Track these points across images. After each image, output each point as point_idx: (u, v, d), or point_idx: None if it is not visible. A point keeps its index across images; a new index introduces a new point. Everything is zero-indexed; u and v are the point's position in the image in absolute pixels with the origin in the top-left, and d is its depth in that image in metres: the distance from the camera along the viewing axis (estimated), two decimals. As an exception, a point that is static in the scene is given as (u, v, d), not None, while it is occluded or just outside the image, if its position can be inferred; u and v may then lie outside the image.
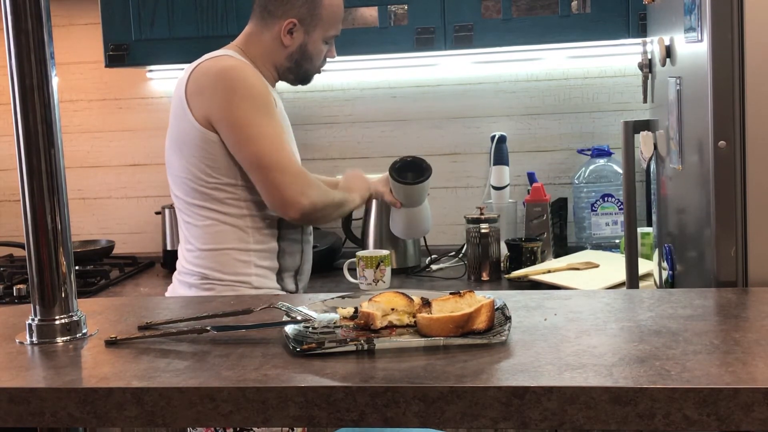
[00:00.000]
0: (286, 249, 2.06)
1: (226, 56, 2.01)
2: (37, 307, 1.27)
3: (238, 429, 1.79)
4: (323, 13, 2.09)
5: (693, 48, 1.55)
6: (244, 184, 1.98)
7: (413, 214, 2.36)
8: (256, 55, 2.08)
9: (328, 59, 2.18)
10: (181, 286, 2.05)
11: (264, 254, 2.02)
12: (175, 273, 2.12)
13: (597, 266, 2.44)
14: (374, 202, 2.72)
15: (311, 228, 2.18)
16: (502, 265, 2.54)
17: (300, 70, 2.14)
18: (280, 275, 2.06)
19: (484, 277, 2.50)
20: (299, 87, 2.98)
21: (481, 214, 2.51)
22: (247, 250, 2.01)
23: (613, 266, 2.39)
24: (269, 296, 1.74)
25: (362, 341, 1.15)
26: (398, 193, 2.30)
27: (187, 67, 2.05)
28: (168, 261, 2.91)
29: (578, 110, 2.91)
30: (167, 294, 2.13)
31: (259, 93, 1.96)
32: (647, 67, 1.99)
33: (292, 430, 1.81)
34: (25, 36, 1.22)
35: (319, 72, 2.19)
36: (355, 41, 2.64)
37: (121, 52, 2.70)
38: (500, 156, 2.77)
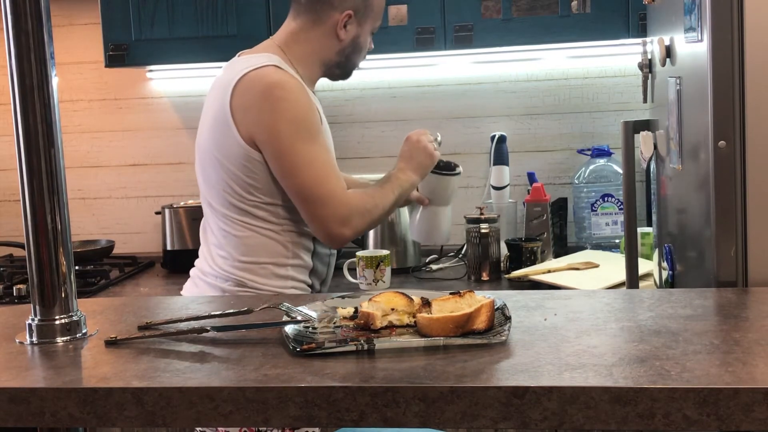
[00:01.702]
0: (317, 264, 2.06)
1: (272, 68, 1.93)
2: (37, 307, 1.27)
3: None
4: (374, 3, 2.08)
5: (693, 48, 1.55)
6: (283, 204, 1.96)
7: (436, 215, 2.26)
8: (302, 54, 2.04)
9: (369, 51, 2.16)
10: (210, 289, 2.01)
11: (300, 269, 2.02)
12: (198, 272, 2.06)
13: (597, 266, 2.44)
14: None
15: None
16: (502, 265, 2.54)
17: (348, 64, 2.11)
18: (311, 287, 2.06)
19: (484, 277, 2.50)
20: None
21: (481, 214, 2.51)
22: (285, 265, 2.00)
23: (613, 266, 2.40)
24: (269, 296, 1.74)
25: (362, 341, 1.15)
26: (426, 187, 2.24)
27: (229, 70, 1.98)
28: (168, 261, 2.91)
29: (578, 110, 2.91)
30: (184, 293, 2.10)
31: (304, 116, 1.92)
32: (647, 67, 1.99)
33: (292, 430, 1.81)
34: (25, 36, 1.22)
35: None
36: (355, 41, 2.64)
37: (121, 52, 2.70)
38: (500, 156, 2.77)
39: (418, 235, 2.30)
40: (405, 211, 2.71)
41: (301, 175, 1.90)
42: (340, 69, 2.12)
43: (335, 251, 2.15)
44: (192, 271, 2.09)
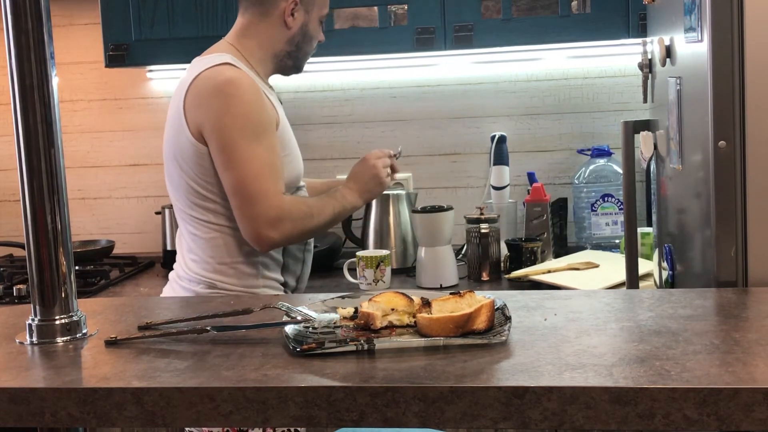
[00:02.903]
0: (289, 261, 2.06)
1: (225, 66, 1.94)
2: (37, 307, 1.27)
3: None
4: None
5: (693, 48, 1.55)
6: None
7: (437, 255, 2.44)
8: (253, 47, 2.05)
9: (320, 41, 2.15)
10: (185, 292, 2.03)
11: (270, 267, 2.02)
12: (175, 276, 2.08)
13: (597, 266, 2.44)
14: (374, 202, 2.73)
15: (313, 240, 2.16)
16: (502, 265, 2.54)
17: (300, 54, 2.10)
18: (285, 285, 2.06)
19: (484, 277, 2.50)
20: (299, 87, 2.97)
21: (481, 214, 2.51)
22: (254, 263, 2.00)
23: (613, 266, 2.39)
24: (269, 296, 1.75)
25: (362, 341, 1.15)
26: (423, 229, 2.45)
27: (187, 72, 2.01)
28: (168, 261, 2.90)
29: (578, 110, 2.91)
30: (163, 296, 2.12)
31: (252, 113, 1.91)
32: (647, 67, 1.99)
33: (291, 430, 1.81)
34: (25, 36, 1.22)
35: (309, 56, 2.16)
36: (355, 41, 2.64)
37: (121, 52, 2.70)
38: (500, 156, 2.77)
39: (425, 278, 2.45)
40: (406, 213, 2.71)
41: (237, 170, 1.89)
42: (292, 60, 2.11)
43: (311, 246, 2.14)
44: (170, 275, 2.12)
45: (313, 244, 2.17)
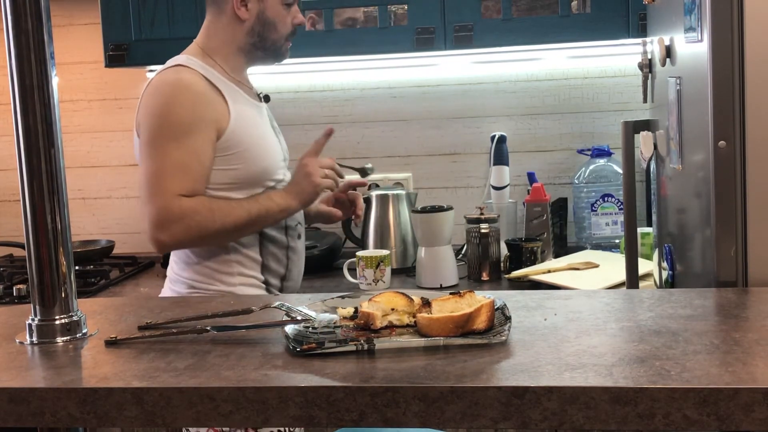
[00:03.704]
0: (270, 260, 2.04)
1: (174, 68, 1.96)
2: (37, 307, 1.27)
3: None
4: None
5: (693, 48, 1.55)
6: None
7: (438, 255, 2.45)
8: (217, 45, 2.04)
9: (296, 24, 2.08)
10: (171, 294, 2.05)
11: (247, 265, 2.01)
12: (167, 279, 2.11)
13: (597, 266, 2.44)
14: (374, 202, 2.73)
15: (298, 234, 2.11)
16: (502, 265, 2.54)
17: (266, 43, 2.05)
18: (266, 282, 2.04)
19: (484, 277, 2.50)
20: (299, 87, 2.97)
21: (481, 214, 2.51)
22: (228, 261, 2.00)
23: (613, 266, 2.39)
24: (269, 296, 1.74)
25: (362, 341, 1.15)
26: (423, 229, 2.45)
27: None
28: (168, 261, 2.90)
29: (578, 110, 2.91)
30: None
31: (175, 113, 1.90)
32: (647, 67, 1.99)
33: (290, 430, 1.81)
34: (25, 36, 1.22)
35: (288, 41, 2.08)
36: (355, 41, 2.64)
37: (121, 52, 2.70)
38: (500, 156, 2.77)
39: (425, 278, 2.45)
40: (406, 213, 2.71)
41: (142, 168, 1.93)
42: (261, 50, 2.07)
43: (298, 244, 2.11)
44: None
45: (302, 245, 2.13)
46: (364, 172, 2.27)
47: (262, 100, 2.13)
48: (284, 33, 2.07)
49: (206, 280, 2.00)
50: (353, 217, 2.21)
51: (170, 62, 2.01)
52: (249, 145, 1.99)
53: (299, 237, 2.12)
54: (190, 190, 1.90)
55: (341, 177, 2.10)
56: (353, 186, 2.21)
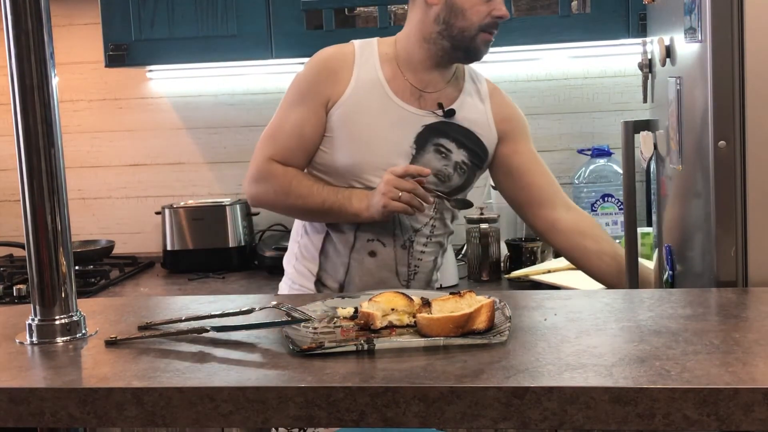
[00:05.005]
0: (326, 263, 2.01)
1: (336, 45, 2.03)
2: (37, 307, 1.27)
3: None
4: None
5: (693, 48, 1.55)
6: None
7: None
8: (405, 34, 2.00)
9: (495, 16, 1.91)
10: (285, 287, 2.14)
11: (306, 254, 2.05)
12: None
13: (597, 266, 2.43)
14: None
15: (365, 246, 1.98)
16: (502, 265, 2.54)
17: (454, 32, 1.91)
18: (322, 283, 2.02)
19: (484, 277, 2.50)
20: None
21: (481, 214, 2.51)
22: (296, 244, 2.08)
23: (613, 266, 2.39)
24: (269, 296, 1.74)
25: (362, 341, 1.15)
26: None
27: None
28: (168, 261, 2.90)
29: (578, 110, 2.91)
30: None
31: (302, 81, 1.99)
32: (647, 67, 1.98)
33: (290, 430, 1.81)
34: (25, 36, 1.22)
35: (484, 34, 1.92)
36: (355, 41, 2.63)
37: (121, 52, 2.70)
38: (500, 156, 2.77)
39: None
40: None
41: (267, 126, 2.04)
42: (448, 40, 1.93)
43: (364, 257, 1.99)
44: None
45: (369, 257, 1.99)
46: (463, 203, 2.06)
47: (442, 110, 1.98)
48: (474, 22, 1.90)
49: (299, 278, 2.05)
50: None
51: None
52: (346, 135, 1.93)
53: (366, 252, 1.99)
54: (279, 157, 1.97)
55: (426, 202, 1.90)
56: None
